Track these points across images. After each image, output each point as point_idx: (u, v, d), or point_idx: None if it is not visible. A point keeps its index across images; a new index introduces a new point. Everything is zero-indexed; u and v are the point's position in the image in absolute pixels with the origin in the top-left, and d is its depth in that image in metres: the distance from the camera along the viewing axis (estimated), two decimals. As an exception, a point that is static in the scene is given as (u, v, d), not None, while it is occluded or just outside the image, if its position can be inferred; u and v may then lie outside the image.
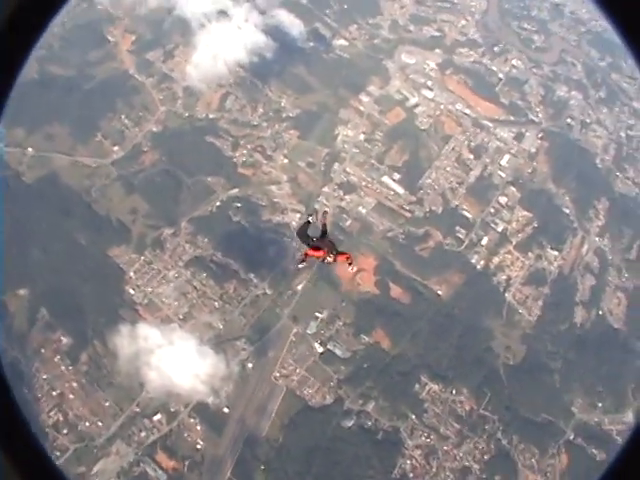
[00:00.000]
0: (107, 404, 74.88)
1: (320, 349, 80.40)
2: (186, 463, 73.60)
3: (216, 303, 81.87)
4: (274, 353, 79.83)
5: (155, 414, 75.26)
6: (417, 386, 79.13)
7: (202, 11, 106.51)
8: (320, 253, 23.93)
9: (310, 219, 25.74)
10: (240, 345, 79.79)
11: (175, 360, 76.63)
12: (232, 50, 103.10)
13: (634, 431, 4.69)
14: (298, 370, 78.92)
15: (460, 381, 79.91)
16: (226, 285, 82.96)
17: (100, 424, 73.75)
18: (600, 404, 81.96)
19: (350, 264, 25.91)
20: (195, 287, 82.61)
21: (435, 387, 79.23)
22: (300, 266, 25.86)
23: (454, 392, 79.28)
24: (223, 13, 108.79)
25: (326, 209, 34.94)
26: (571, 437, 79.10)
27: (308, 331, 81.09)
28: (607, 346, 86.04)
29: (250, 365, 78.92)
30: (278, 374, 78.76)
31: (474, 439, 76.96)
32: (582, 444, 78.88)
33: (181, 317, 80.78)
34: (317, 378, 78.58)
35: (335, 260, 24.27)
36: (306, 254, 24.25)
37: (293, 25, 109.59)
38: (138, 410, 75.19)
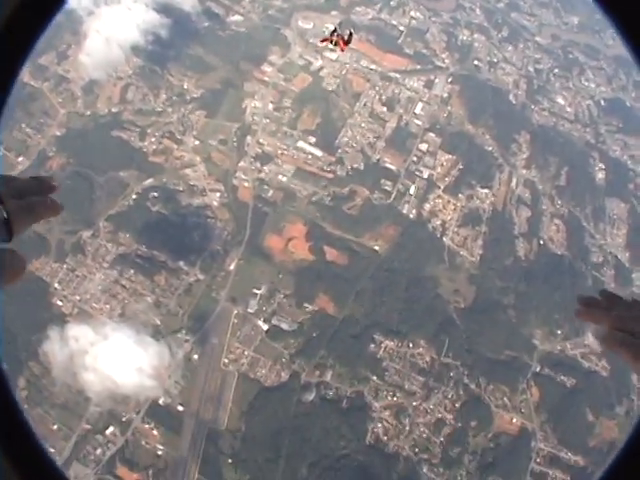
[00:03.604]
0: (55, 427, 70.41)
1: (265, 326, 77.30)
2: (150, 472, 69.71)
3: (149, 298, 78.19)
4: (218, 339, 76.59)
5: (107, 427, 71.01)
6: (372, 346, 76.99)
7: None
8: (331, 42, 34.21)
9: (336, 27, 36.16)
10: (182, 337, 76.23)
11: (113, 356, 72.01)
12: (125, 32, 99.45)
13: (634, 431, 4.23)
14: (246, 352, 75.84)
15: (415, 333, 78.09)
16: (156, 278, 79.37)
17: (52, 450, 68.85)
18: (559, 331, 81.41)
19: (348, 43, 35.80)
20: (124, 286, 78.75)
21: (391, 344, 77.21)
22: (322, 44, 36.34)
23: (411, 345, 77.42)
24: None
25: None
26: (537, 369, 78.39)
27: (249, 310, 77.91)
28: (555, 273, 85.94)
29: (196, 356, 75.47)
30: (227, 360, 75.45)
31: (441, 389, 75.21)
32: (550, 374, 78.32)
33: (115, 320, 76.69)
34: (268, 357, 75.61)
35: (337, 43, 34.47)
36: (325, 39, 34.97)
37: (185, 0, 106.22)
38: (89, 427, 70.87)
